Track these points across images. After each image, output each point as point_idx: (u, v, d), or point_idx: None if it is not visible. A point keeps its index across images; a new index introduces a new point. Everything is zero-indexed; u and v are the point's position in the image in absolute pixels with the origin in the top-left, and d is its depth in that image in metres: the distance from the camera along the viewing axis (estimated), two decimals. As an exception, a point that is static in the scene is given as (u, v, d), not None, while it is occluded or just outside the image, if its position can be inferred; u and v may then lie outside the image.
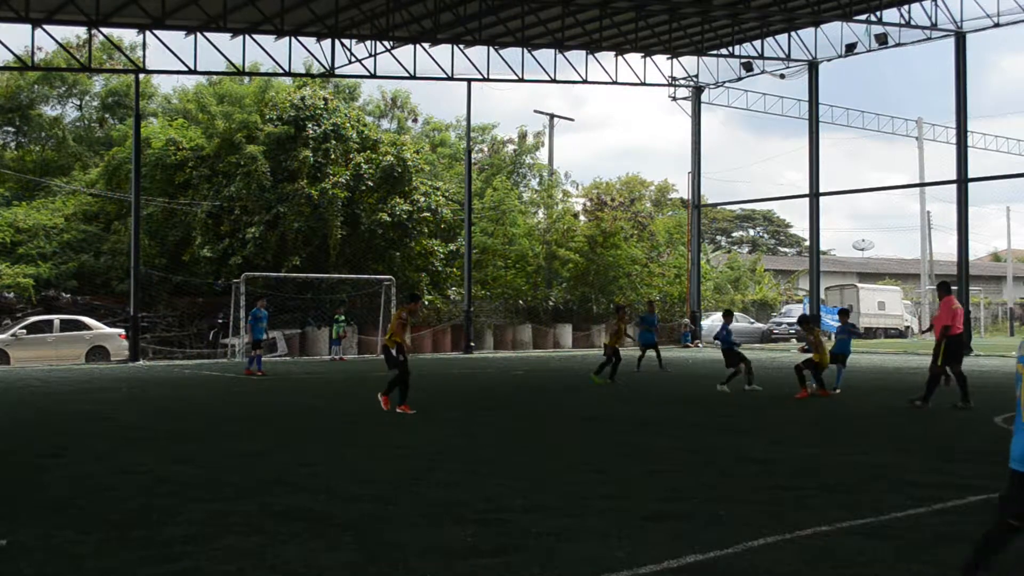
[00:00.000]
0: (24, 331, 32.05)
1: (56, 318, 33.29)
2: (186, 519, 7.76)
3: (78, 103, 52.28)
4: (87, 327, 33.28)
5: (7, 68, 43.19)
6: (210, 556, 6.60)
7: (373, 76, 38.13)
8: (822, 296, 49.98)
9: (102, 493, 8.91)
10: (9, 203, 43.42)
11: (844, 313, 21.01)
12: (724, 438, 12.94)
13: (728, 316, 21.46)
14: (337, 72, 38.11)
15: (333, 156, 40.99)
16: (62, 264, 39.68)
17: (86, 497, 8.72)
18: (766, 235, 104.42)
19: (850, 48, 41.25)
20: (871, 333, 61.27)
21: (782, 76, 45.43)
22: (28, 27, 31.32)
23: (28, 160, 49.43)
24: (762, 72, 45.31)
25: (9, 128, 50.45)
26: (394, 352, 15.72)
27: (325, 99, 42.38)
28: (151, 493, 8.90)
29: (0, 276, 37.32)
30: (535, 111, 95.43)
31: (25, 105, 49.20)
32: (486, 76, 39.24)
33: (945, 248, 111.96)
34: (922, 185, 57.68)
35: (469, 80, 40.86)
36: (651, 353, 27.88)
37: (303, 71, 43.20)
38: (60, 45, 36.44)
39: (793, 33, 41.68)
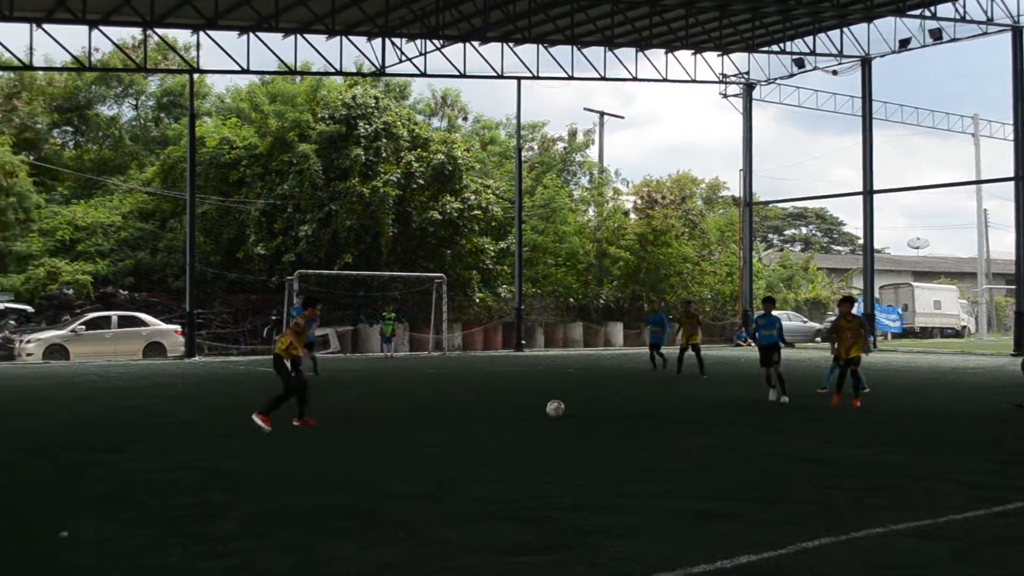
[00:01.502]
0: (83, 327, 32.59)
1: (114, 314, 33.81)
2: (240, 514, 7.85)
3: (134, 103, 53.01)
4: (144, 323, 33.76)
5: (66, 69, 43.93)
6: (263, 551, 6.68)
7: (423, 75, 38.31)
8: (876, 295, 49.37)
9: (158, 488, 9.03)
10: (68, 201, 44.19)
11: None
12: (773, 437, 12.84)
13: (769, 304, 18.67)
14: (388, 71, 38.33)
15: (384, 154, 41.22)
16: (119, 261, 40.30)
17: (143, 491, 8.84)
18: (819, 233, 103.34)
19: (904, 44, 40.71)
20: (926, 333, 60.47)
21: (834, 72, 44.93)
22: (85, 28, 31.88)
23: (86, 159, 50.23)
24: (814, 68, 44.85)
25: (68, 128, 51.26)
26: (288, 364, 13.31)
27: (376, 98, 42.63)
28: (206, 488, 9.01)
29: (60, 273, 37.98)
30: (585, 109, 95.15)
31: (83, 105, 49.98)
32: (536, 74, 39.28)
33: (1002, 247, 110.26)
34: (979, 182, 56.73)
35: (519, 78, 40.92)
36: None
37: (354, 70, 43.48)
38: (116, 46, 36.96)
39: (845, 29, 41.21)
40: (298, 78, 44.28)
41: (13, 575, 6.09)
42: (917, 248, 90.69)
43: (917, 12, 38.23)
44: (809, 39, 42.02)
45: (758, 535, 7.12)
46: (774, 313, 18.52)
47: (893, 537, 7.16)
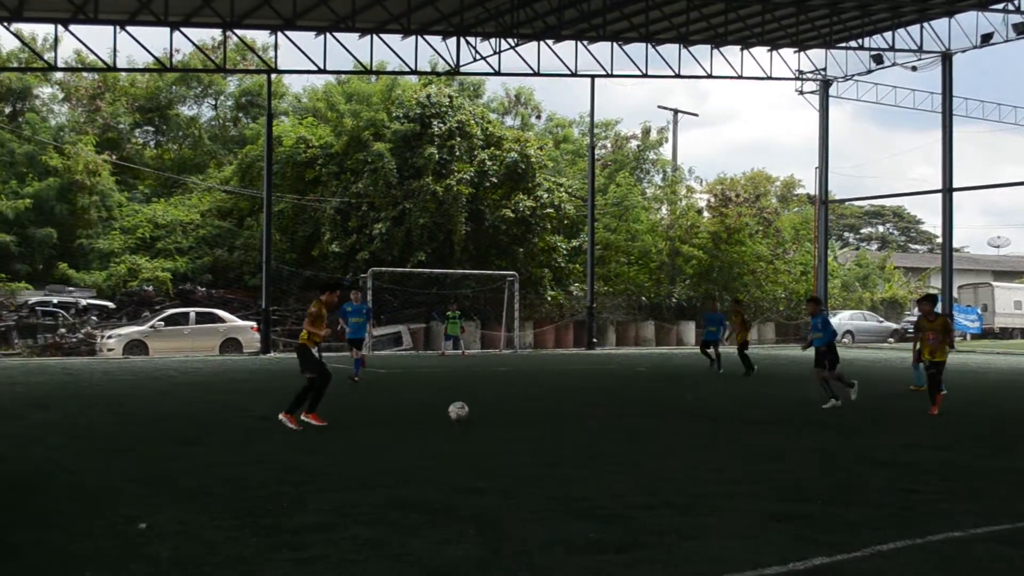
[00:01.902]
0: (162, 323, 33.25)
1: (192, 311, 34.43)
2: (314, 508, 7.96)
3: (213, 103, 53.97)
4: (221, 320, 34.32)
5: (147, 70, 44.85)
6: (337, 545, 6.76)
7: (497, 73, 38.39)
8: (955, 295, 48.41)
9: (235, 481, 9.19)
10: (149, 200, 45.14)
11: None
12: (847, 438, 12.65)
13: (814, 303, 18.00)
14: (462, 70, 38.48)
15: (458, 153, 41.42)
16: (198, 258, 41.07)
17: (220, 484, 9.01)
18: (896, 232, 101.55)
19: (986, 38, 39.84)
20: (1006, 333, 59.10)
21: (914, 68, 44.11)
22: (167, 30, 32.48)
23: (166, 158, 51.26)
24: (893, 64, 44.06)
25: (149, 127, 52.33)
26: (315, 352, 12.94)
27: (450, 97, 42.86)
28: (281, 482, 9.15)
29: (140, 270, 38.81)
30: (659, 106, 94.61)
31: (164, 105, 50.99)
32: (610, 72, 39.14)
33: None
34: (1064, 180, 55.23)
35: (593, 76, 40.83)
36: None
37: (429, 69, 43.74)
38: (196, 47, 37.63)
39: (926, 24, 40.43)
40: (373, 77, 44.68)
41: (94, 567, 6.24)
42: (997, 247, 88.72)
43: (1000, 6, 37.38)
44: (888, 34, 41.35)
45: (832, 537, 7.04)
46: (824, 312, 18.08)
47: (971, 542, 7.02)
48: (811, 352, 17.20)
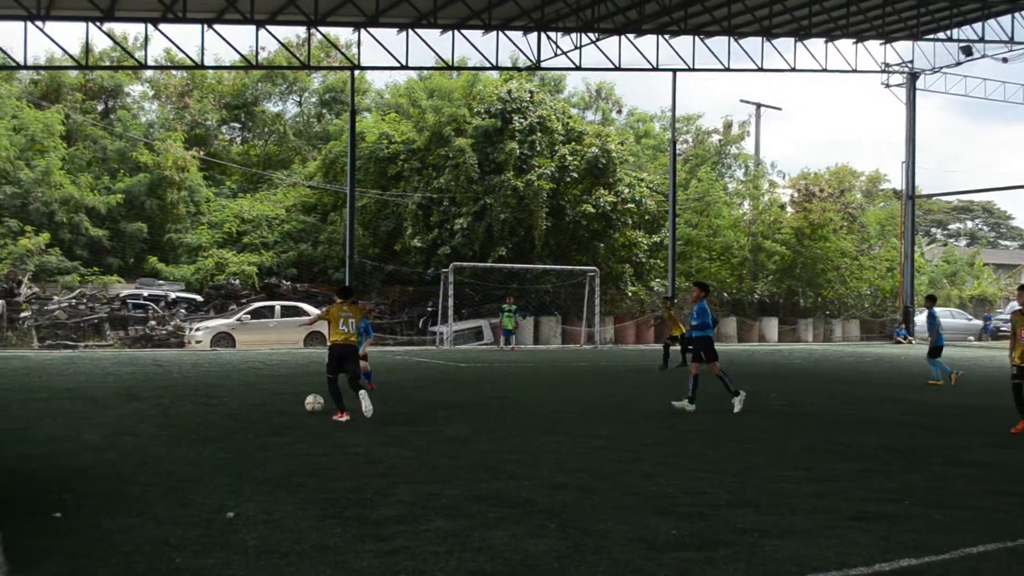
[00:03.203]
0: (248, 316, 33.84)
1: (277, 304, 34.97)
2: (397, 500, 8.05)
3: (298, 99, 54.72)
4: (305, 313, 34.74)
5: (234, 67, 45.67)
6: (420, 536, 6.84)
7: (578, 68, 38.24)
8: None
9: (319, 472, 9.34)
10: (235, 195, 45.96)
11: (932, 299, 21.27)
12: (935, 438, 12.41)
13: (699, 289, 16.53)
14: (543, 65, 38.46)
15: (539, 148, 41.46)
16: (283, 253, 41.71)
17: (305, 475, 9.16)
18: (986, 227, 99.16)
19: (1082, 28, 38.72)
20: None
21: (1004, 60, 43.05)
22: (253, 28, 32.98)
23: (252, 154, 52.12)
24: (983, 56, 43.06)
25: (235, 124, 53.23)
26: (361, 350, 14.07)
27: (531, 92, 42.90)
28: (364, 473, 9.28)
29: (227, 264, 39.54)
30: (741, 100, 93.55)
31: (250, 102, 51.84)
32: (691, 66, 38.82)
33: None
34: None
35: (674, 70, 40.55)
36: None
37: (510, 64, 43.85)
38: (282, 44, 38.18)
39: (1017, 14, 39.36)
40: (455, 73, 44.90)
41: (183, 554, 6.39)
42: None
43: (1098, -6, 36.30)
44: (978, 25, 40.41)
45: (919, 539, 6.93)
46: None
47: (1065, 546, 6.86)
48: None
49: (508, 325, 34.74)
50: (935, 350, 20.63)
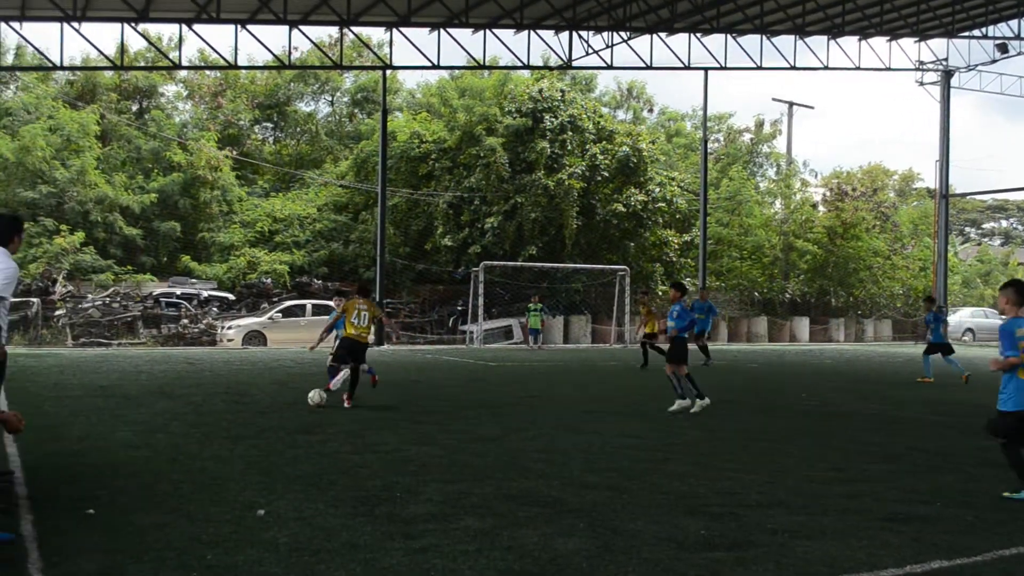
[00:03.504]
0: (280, 315, 34.01)
1: (308, 303, 35.12)
2: (427, 498, 8.07)
3: (330, 99, 54.99)
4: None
5: (267, 67, 45.93)
6: (449, 535, 6.85)
7: (610, 67, 38.16)
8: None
9: (350, 470, 9.38)
10: (267, 194, 46.24)
11: (931, 300, 22.20)
12: (968, 439, 12.27)
13: (676, 289, 16.46)
14: (574, 64, 38.41)
15: (569, 147, 41.43)
16: (314, 252, 41.91)
17: (335, 473, 9.20)
18: (1021, 227, 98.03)
19: (1122, 25, 38.22)
20: None
21: (1043, 57, 42.55)
22: (285, 28, 33.16)
23: (284, 154, 52.42)
24: (1018, 53, 42.57)
25: (268, 124, 53.57)
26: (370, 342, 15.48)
27: (562, 91, 42.88)
28: (395, 472, 9.30)
29: (259, 263, 39.78)
30: (773, 99, 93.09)
31: (282, 102, 52.16)
32: (723, 64, 38.65)
33: None
34: None
35: (706, 69, 40.38)
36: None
37: (541, 64, 43.82)
38: (314, 44, 38.37)
39: (1056, 11, 38.97)
40: (486, 73, 44.94)
41: (215, 551, 6.44)
42: None
43: None
44: (1014, 22, 39.99)
45: (952, 541, 6.88)
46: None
47: (1101, 549, 6.78)
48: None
49: (535, 324, 34.75)
50: (934, 347, 21.74)
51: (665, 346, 16.14)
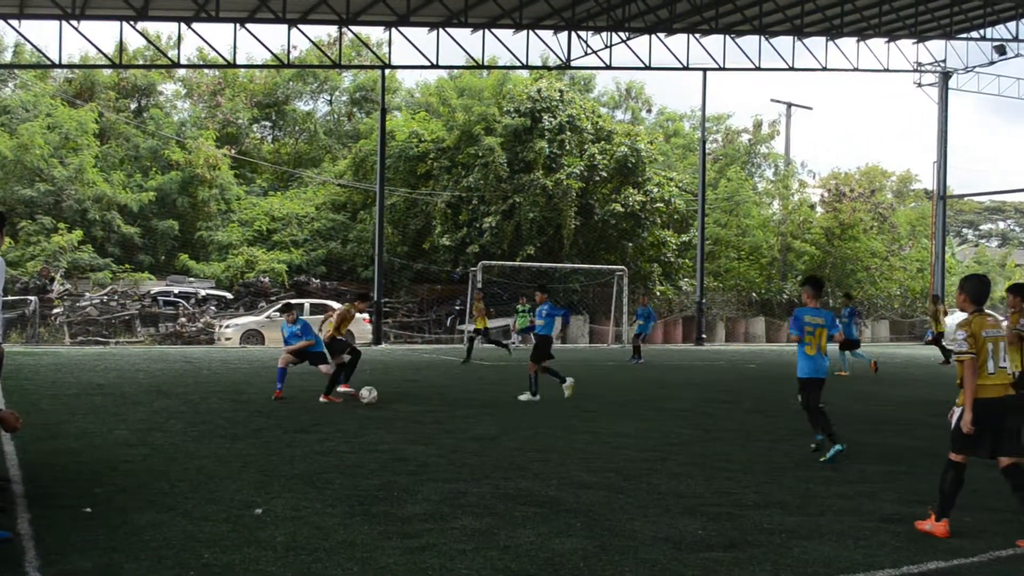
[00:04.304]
0: (277, 314, 33.93)
1: (306, 302, 35.05)
2: (424, 498, 8.08)
3: (328, 98, 55.00)
4: (335, 311, 34.87)
5: (266, 66, 45.89)
6: (446, 534, 6.86)
7: (608, 67, 38.15)
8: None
9: (347, 469, 9.39)
10: (266, 193, 46.22)
11: (849, 297, 23.28)
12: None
13: (540, 291, 18.01)
14: (573, 64, 38.42)
15: (568, 147, 41.44)
16: (312, 251, 41.90)
17: (333, 472, 9.21)
18: (1018, 228, 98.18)
19: (1120, 27, 38.26)
20: None
21: (1040, 59, 42.62)
22: (284, 27, 33.13)
23: (283, 153, 52.41)
24: (1016, 55, 42.65)
25: (266, 123, 53.57)
26: (343, 339, 16.15)
27: (561, 91, 42.88)
28: (392, 471, 9.31)
29: (257, 261, 39.75)
30: (771, 100, 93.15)
31: (281, 101, 52.16)
32: (722, 65, 38.66)
33: None
34: None
35: (704, 70, 40.41)
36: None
37: (540, 64, 43.82)
38: (313, 43, 38.36)
39: (1053, 12, 39.00)
40: (485, 72, 44.94)
41: (212, 550, 6.45)
42: None
43: None
44: (1012, 24, 40.02)
45: (948, 541, 6.90)
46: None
47: (1097, 551, 6.78)
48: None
49: (522, 325, 34.70)
50: (848, 343, 22.94)
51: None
